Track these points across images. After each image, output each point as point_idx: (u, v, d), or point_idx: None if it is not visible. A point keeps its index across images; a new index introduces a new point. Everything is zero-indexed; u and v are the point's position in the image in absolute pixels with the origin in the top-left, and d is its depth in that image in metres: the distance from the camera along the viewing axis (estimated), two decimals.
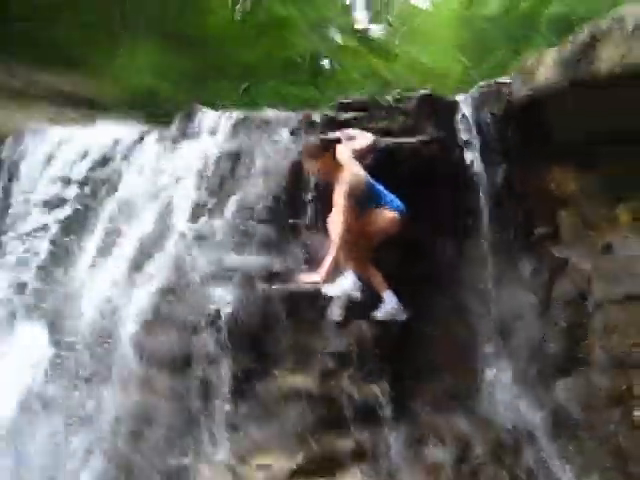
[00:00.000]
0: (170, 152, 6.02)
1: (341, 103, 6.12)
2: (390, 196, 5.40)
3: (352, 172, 5.22)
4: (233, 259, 5.07)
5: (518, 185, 6.13)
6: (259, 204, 5.35)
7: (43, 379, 5.13)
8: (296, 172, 5.44)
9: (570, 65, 5.50)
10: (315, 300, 5.03)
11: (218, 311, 4.78)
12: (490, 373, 5.62)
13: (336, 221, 5.14)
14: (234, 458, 4.49)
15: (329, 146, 5.27)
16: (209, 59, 12.18)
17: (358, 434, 4.73)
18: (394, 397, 5.03)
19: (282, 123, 5.87)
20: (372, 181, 5.36)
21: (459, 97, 6.26)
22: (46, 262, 5.88)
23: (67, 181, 6.23)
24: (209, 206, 5.41)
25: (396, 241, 5.65)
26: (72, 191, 6.18)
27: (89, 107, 9.90)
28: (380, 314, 5.28)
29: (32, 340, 5.50)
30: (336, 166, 5.22)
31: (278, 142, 5.70)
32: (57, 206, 6.15)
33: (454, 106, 6.12)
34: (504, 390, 5.53)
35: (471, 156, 5.98)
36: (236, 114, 6.10)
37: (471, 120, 6.02)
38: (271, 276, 5.07)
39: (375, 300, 5.29)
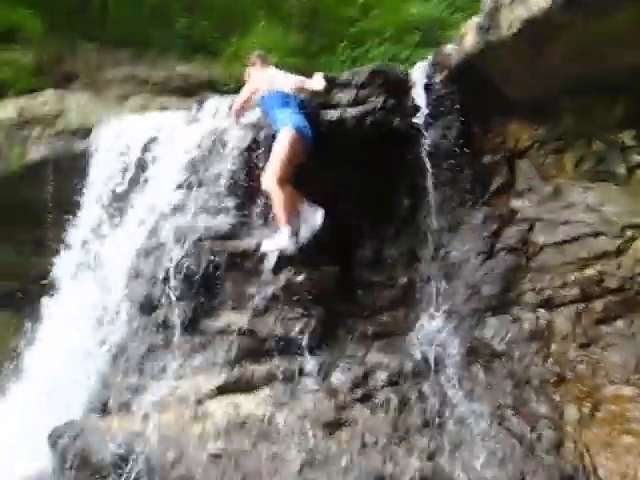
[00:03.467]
0: (183, 134, 7.09)
1: None
2: (295, 116, 6.17)
3: (267, 79, 6.54)
4: (191, 223, 6.25)
5: (475, 143, 6.63)
6: (224, 177, 6.45)
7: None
8: (252, 148, 6.45)
9: (483, 30, 5.97)
10: (253, 254, 6.06)
11: (175, 265, 6.03)
12: (425, 313, 6.30)
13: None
14: (176, 377, 5.72)
15: (259, 59, 7.00)
16: (320, 32, 12.90)
17: (274, 362, 5.74)
18: (322, 334, 5.95)
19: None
20: (283, 95, 6.33)
21: (412, 69, 6.85)
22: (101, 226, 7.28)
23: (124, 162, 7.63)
24: (189, 180, 6.59)
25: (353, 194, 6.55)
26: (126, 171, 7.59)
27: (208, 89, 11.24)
28: (266, 246, 5.99)
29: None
30: (258, 75, 6.73)
31: (246, 123, 6.70)
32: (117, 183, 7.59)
33: (405, 77, 6.73)
34: (434, 327, 6.20)
35: (421, 121, 6.59)
36: (230, 98, 7.16)
37: (420, 88, 6.60)
38: (220, 236, 6.19)
39: (311, 252, 6.14)
